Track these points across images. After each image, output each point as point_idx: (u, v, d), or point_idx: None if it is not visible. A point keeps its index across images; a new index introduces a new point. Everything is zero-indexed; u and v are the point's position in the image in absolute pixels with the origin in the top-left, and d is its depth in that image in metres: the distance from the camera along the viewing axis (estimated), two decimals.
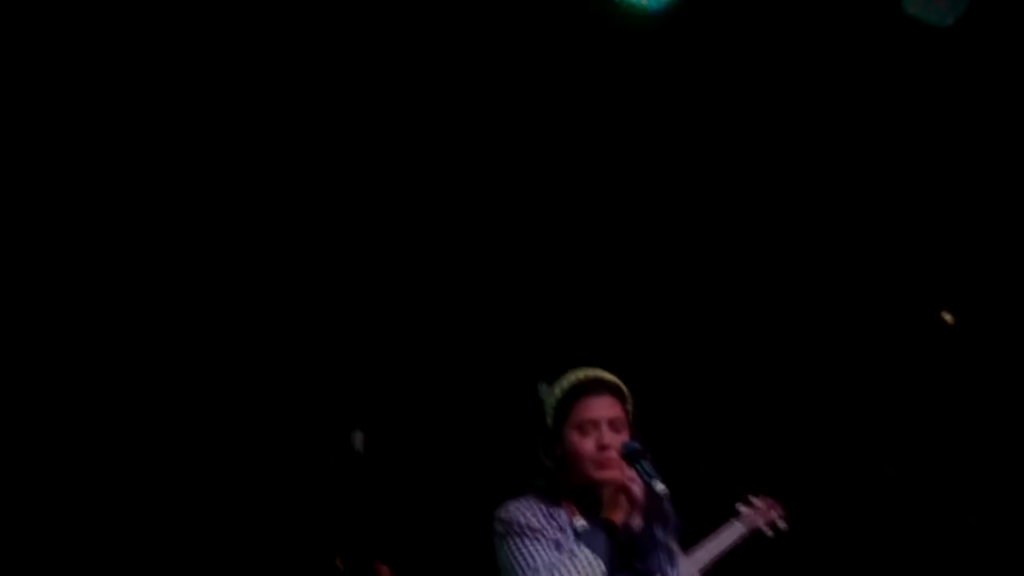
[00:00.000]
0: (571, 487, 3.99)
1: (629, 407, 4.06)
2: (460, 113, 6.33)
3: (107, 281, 6.11)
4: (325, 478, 5.97)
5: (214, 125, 5.94)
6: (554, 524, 3.91)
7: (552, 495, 3.98)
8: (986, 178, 6.98)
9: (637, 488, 3.84)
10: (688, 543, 4.16)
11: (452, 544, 6.55)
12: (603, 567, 3.77)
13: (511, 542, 3.88)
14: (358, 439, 5.61)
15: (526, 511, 3.92)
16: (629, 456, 3.84)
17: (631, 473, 3.86)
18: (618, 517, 3.86)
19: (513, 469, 4.36)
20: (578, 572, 3.75)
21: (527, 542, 3.85)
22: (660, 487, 3.67)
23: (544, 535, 3.87)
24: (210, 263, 6.36)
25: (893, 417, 8.00)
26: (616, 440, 3.91)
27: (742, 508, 4.24)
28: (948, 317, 7.95)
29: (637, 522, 3.90)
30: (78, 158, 5.85)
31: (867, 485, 7.92)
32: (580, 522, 3.94)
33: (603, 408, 3.95)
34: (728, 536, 4.14)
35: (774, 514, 4.25)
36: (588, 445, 3.93)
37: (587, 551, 3.79)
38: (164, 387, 6.37)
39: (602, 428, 3.92)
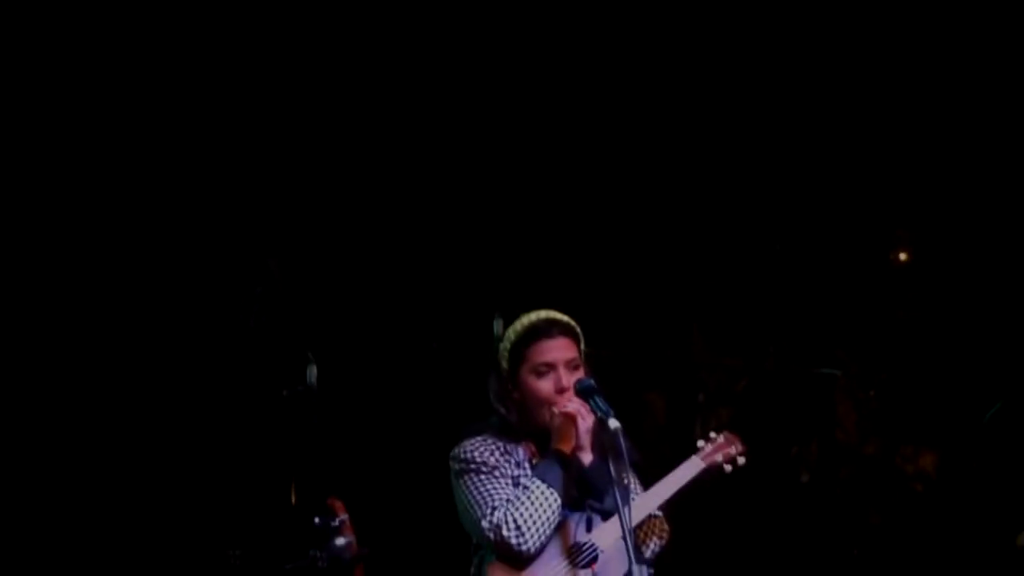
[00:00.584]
0: (530, 429, 4.06)
1: (583, 347, 4.12)
2: (430, 58, 6.49)
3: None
4: (277, 412, 5.91)
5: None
6: (511, 461, 4.03)
7: (510, 434, 4.06)
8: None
9: (587, 420, 3.93)
10: (649, 481, 4.16)
11: (407, 481, 6.61)
12: (558, 498, 3.86)
13: (467, 479, 3.99)
14: (311, 373, 5.56)
15: (483, 448, 4.03)
16: (583, 392, 3.92)
17: (564, 401, 3.96)
18: (567, 446, 3.94)
19: (471, 406, 4.40)
20: (533, 504, 3.84)
21: (483, 479, 3.96)
22: (614, 423, 3.71)
23: (500, 472, 3.98)
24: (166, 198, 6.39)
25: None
26: (571, 380, 4.00)
27: (701, 444, 4.19)
28: (903, 256, 7.99)
29: (588, 457, 3.98)
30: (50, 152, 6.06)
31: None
32: (537, 457, 4.07)
33: (559, 350, 4.03)
34: (685, 472, 4.09)
35: (733, 450, 4.19)
36: (546, 388, 4.02)
37: (541, 483, 3.87)
38: (117, 316, 6.39)
39: (559, 370, 4.01)
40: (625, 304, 7.54)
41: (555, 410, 3.97)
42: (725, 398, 8.07)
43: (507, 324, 4.33)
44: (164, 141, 6.40)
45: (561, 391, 3.98)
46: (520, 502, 3.85)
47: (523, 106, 7.04)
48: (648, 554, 4.03)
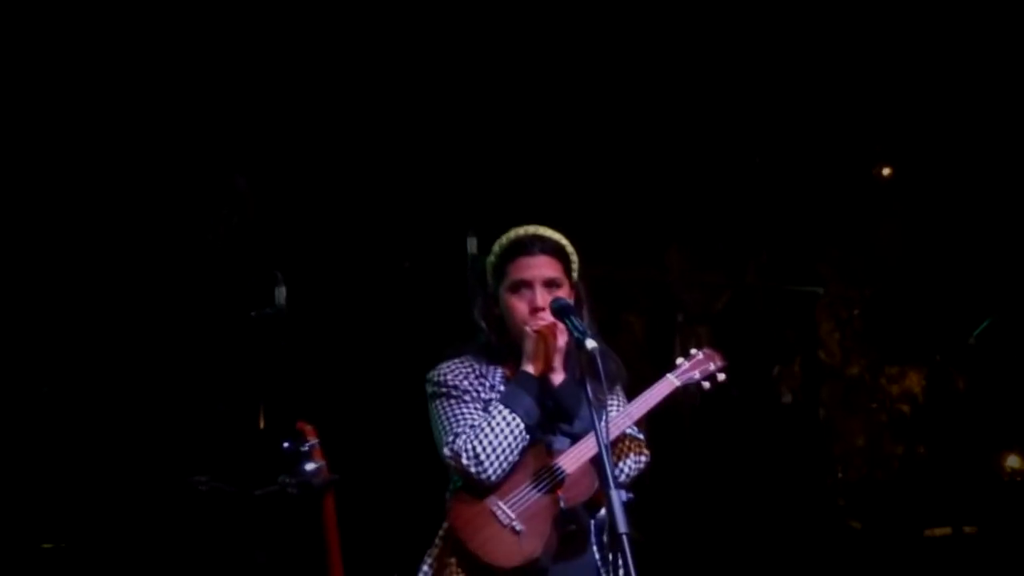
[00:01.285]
0: (512, 349, 3.97)
1: (573, 266, 3.99)
2: None
3: None
4: (245, 334, 5.90)
5: None
6: (485, 384, 3.94)
7: (491, 354, 3.99)
8: None
9: (558, 339, 3.85)
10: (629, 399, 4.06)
11: (380, 405, 6.58)
12: (520, 424, 3.80)
13: (437, 403, 3.93)
14: (280, 294, 5.48)
15: (457, 372, 3.95)
16: (557, 312, 3.81)
17: (536, 316, 3.87)
18: (536, 368, 3.87)
19: (446, 327, 4.32)
20: (494, 431, 3.79)
21: (453, 403, 3.90)
22: (590, 343, 3.58)
23: (471, 396, 3.91)
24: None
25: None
26: (548, 302, 3.87)
27: (680, 361, 4.07)
28: (886, 171, 7.93)
29: (559, 378, 3.90)
30: None
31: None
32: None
33: (538, 267, 3.93)
34: (659, 391, 3.97)
35: (712, 366, 4.06)
36: (521, 306, 3.93)
37: (504, 409, 3.82)
38: (81, 236, 6.35)
39: (536, 288, 3.91)
40: (601, 221, 7.49)
41: (527, 329, 3.89)
42: (704, 317, 8.07)
43: (481, 242, 4.25)
44: (130, 56, 6.38)
45: (535, 310, 3.89)
46: (481, 429, 3.81)
47: (497, 18, 7.01)
48: (622, 477, 3.93)
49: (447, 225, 6.56)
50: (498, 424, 3.81)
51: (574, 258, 4.03)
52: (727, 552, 7.50)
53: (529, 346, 3.88)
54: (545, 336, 3.87)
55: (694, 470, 7.68)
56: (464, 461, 3.78)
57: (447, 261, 6.42)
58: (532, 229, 4.01)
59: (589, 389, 3.62)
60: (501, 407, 3.84)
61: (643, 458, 4.00)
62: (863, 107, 7.79)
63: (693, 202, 7.96)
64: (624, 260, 7.80)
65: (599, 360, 3.57)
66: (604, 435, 3.52)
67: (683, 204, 7.95)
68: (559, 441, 3.89)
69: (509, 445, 3.80)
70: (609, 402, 3.88)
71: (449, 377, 3.95)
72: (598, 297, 4.08)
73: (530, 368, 3.88)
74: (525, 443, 3.83)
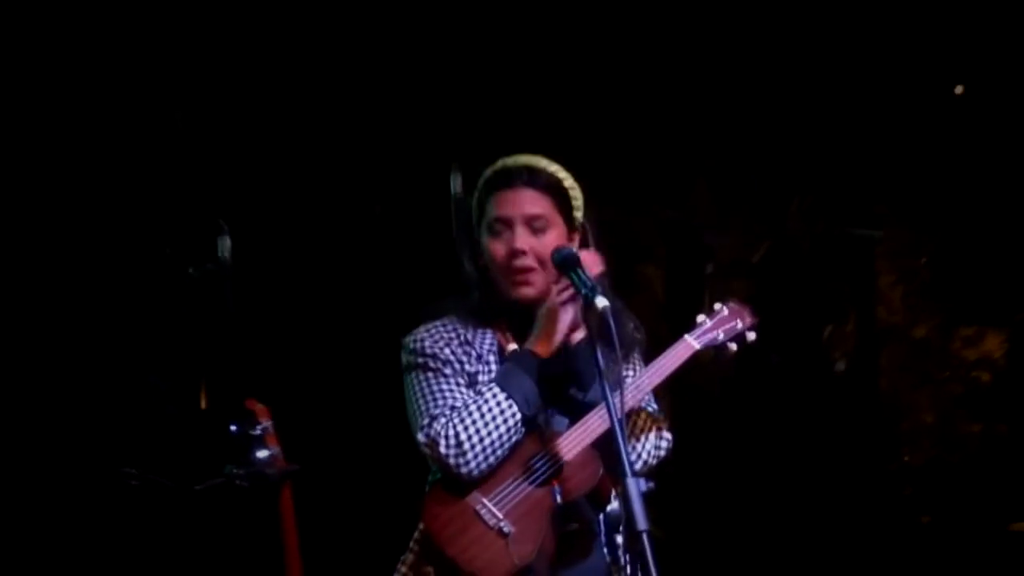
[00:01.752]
0: (502, 305, 4.01)
1: (575, 205, 4.04)
2: None
3: None
4: (182, 295, 5.94)
5: None
6: (472, 354, 3.97)
7: (481, 316, 4.02)
8: None
9: (568, 308, 3.85)
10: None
11: (346, 378, 6.65)
12: (517, 415, 3.80)
13: (415, 376, 3.94)
14: (224, 246, 5.51)
15: (438, 338, 3.98)
16: (561, 264, 3.81)
17: (562, 285, 3.84)
18: (543, 348, 3.87)
19: (425, 283, 4.32)
20: (483, 417, 3.79)
21: (430, 377, 3.92)
22: (601, 302, 3.59)
23: (454, 368, 3.93)
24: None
25: None
26: (535, 243, 3.93)
27: (700, 319, 4.09)
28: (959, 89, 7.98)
29: (576, 337, 3.91)
30: None
31: None
32: (512, 347, 3.97)
33: (519, 203, 3.96)
34: (675, 357, 4.00)
35: (740, 323, 4.10)
36: (498, 250, 3.96)
37: (498, 392, 3.82)
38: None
39: (515, 228, 3.94)
40: (612, 153, 7.50)
41: (520, 293, 3.93)
42: (739, 269, 8.09)
43: (468, 180, 4.27)
44: None
45: (513, 255, 3.92)
46: (467, 412, 3.82)
47: None
48: (639, 464, 3.98)
49: (426, 159, 6.60)
50: (489, 410, 3.82)
51: (576, 195, 4.04)
52: (766, 552, 7.59)
53: (545, 322, 3.89)
54: (554, 311, 3.88)
55: (726, 454, 7.73)
56: (442, 450, 3.78)
57: (427, 203, 6.47)
58: (523, 159, 4.02)
59: (599, 356, 3.60)
60: (496, 389, 3.84)
61: (664, 442, 4.03)
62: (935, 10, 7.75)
63: (723, 129, 7.92)
64: (640, 200, 7.84)
65: (612, 321, 3.55)
66: (618, 411, 3.49)
67: (711, 131, 7.91)
68: (556, 421, 3.91)
69: (500, 437, 3.80)
70: (625, 372, 3.89)
71: (428, 344, 3.96)
72: (609, 246, 4.09)
73: (539, 348, 3.88)
74: (519, 436, 3.83)
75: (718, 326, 4.06)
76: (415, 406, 3.91)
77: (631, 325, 4.01)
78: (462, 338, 3.98)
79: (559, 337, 3.88)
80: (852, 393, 8.05)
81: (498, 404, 3.81)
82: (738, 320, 4.09)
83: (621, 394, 3.52)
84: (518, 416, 3.81)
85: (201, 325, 5.96)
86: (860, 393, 8.05)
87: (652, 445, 4.01)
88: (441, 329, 4.00)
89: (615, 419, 3.48)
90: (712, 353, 4.08)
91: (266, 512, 4.14)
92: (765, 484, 7.71)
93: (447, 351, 3.95)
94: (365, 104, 6.94)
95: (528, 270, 3.92)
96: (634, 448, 3.97)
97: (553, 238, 3.93)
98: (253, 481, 4.11)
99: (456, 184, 5.86)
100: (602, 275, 3.90)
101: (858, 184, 8.15)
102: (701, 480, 7.39)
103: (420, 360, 3.94)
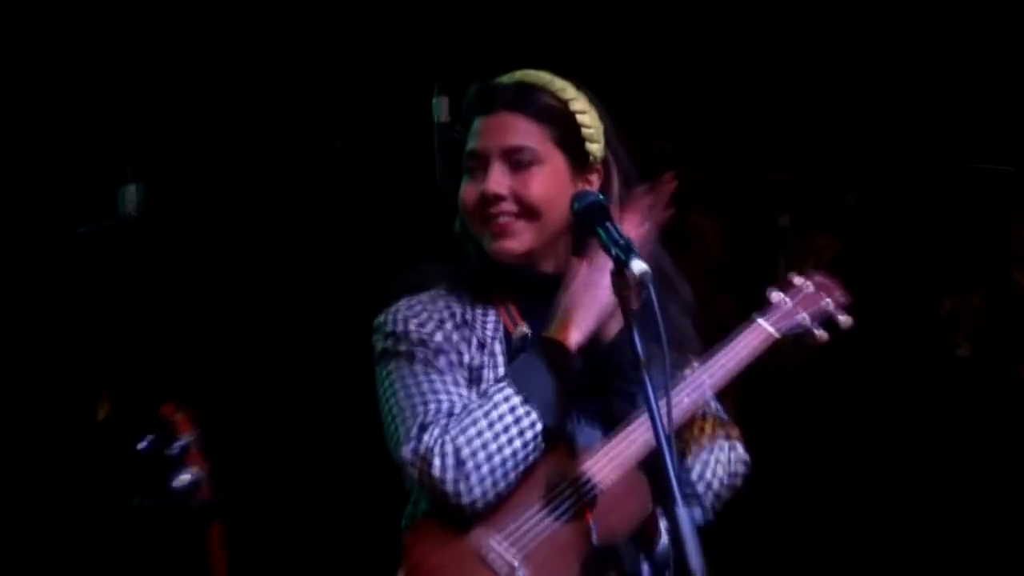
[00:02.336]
0: (504, 271, 4.04)
1: (585, 134, 4.05)
2: None
3: None
4: (72, 261, 6.00)
5: None
6: (472, 340, 3.99)
7: (480, 286, 4.06)
8: None
9: (600, 287, 3.84)
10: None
11: (295, 372, 6.65)
12: (537, 425, 3.80)
13: (395, 369, 3.95)
14: (129, 196, 5.42)
15: (425, 317, 3.98)
16: (584, 215, 3.81)
17: (601, 263, 3.82)
18: (574, 335, 3.87)
19: (410, 242, 4.24)
20: (491, 429, 3.79)
21: (419, 370, 3.92)
22: (638, 266, 3.53)
23: (450, 359, 3.94)
24: None
25: None
26: (516, 185, 3.96)
27: (774, 297, 4.15)
28: None
29: (614, 326, 3.91)
30: None
31: None
32: (521, 330, 4.00)
33: (496, 132, 4.01)
34: (744, 347, 4.02)
35: (829, 303, 4.15)
36: (467, 195, 4.03)
37: (513, 395, 3.82)
38: None
39: (491, 165, 3.97)
40: (651, 78, 7.57)
41: (584, 274, 3.91)
42: (825, 220, 8.05)
43: (456, 104, 4.51)
44: None
45: (484, 200, 3.95)
46: (470, 419, 3.82)
47: None
48: (709, 495, 4.03)
49: (403, 77, 6.59)
50: (500, 417, 3.81)
51: (589, 122, 4.05)
52: None
53: (578, 301, 3.89)
54: (593, 293, 3.87)
55: (811, 469, 7.65)
56: (436, 471, 3.74)
57: (403, 136, 6.42)
58: (519, 75, 4.07)
59: (638, 344, 3.55)
60: (508, 390, 3.82)
61: (741, 464, 4.09)
62: None
63: (800, 44, 7.92)
64: (689, 129, 7.80)
65: (654, 295, 3.50)
66: (664, 419, 3.47)
67: (784, 49, 7.91)
68: (587, 434, 3.90)
69: (513, 454, 3.79)
70: (677, 366, 3.90)
71: (413, 325, 3.95)
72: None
73: (568, 335, 3.88)
74: (538, 455, 3.82)
75: (801, 306, 4.12)
76: (395, 411, 3.90)
77: (680, 300, 4.05)
78: (458, 317, 4.00)
79: (594, 322, 3.88)
80: (980, 384, 8.00)
81: (512, 410, 3.80)
82: (826, 297, 4.16)
83: (667, 397, 3.51)
84: (538, 427, 3.81)
85: (96, 304, 6.04)
86: (990, 384, 8.00)
87: (725, 467, 4.05)
88: (428, 305, 4.01)
89: (661, 430, 3.45)
90: (790, 340, 4.10)
91: (188, 557, 4.08)
92: (866, 506, 7.73)
93: (439, 335, 3.95)
94: (327, 10, 7.06)
95: (503, 216, 3.95)
96: (700, 474, 4.02)
97: (545, 177, 3.96)
98: (170, 515, 4.04)
99: (441, 110, 5.80)
100: (646, 235, 3.92)
101: (977, 110, 8.09)
102: (776, 509, 7.37)
103: (402, 348, 3.94)
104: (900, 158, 8.04)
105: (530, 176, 3.93)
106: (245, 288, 6.83)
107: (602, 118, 4.07)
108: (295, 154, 6.91)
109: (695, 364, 3.98)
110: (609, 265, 3.69)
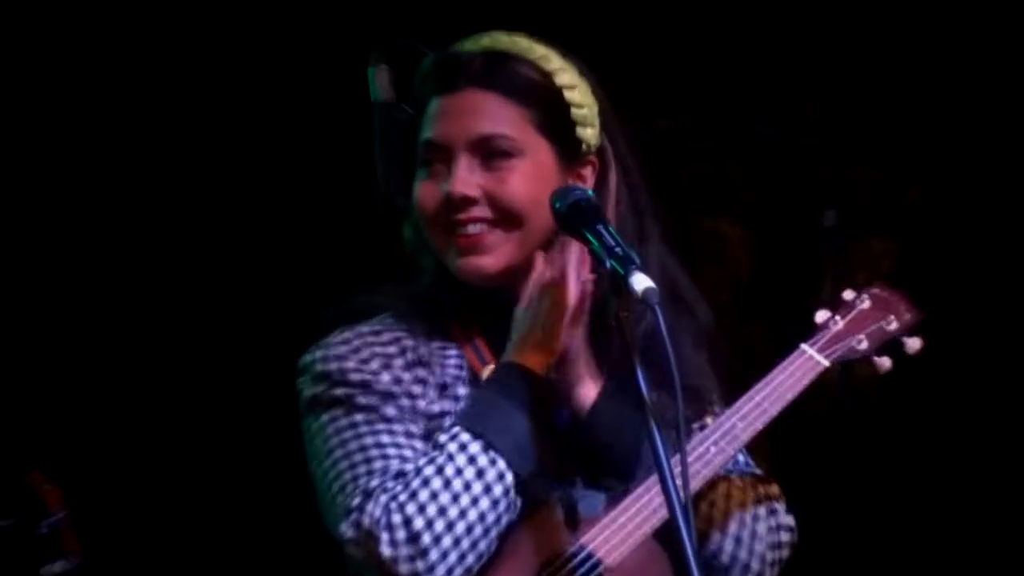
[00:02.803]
0: (470, 295, 3.98)
1: (575, 116, 3.98)
2: None
3: None
4: None
5: None
6: (429, 381, 3.92)
7: (438, 315, 4.00)
8: None
9: (572, 284, 3.82)
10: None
11: (197, 431, 6.72)
12: (506, 476, 3.74)
13: (329, 422, 3.86)
14: None
15: (367, 354, 3.89)
16: (569, 217, 3.72)
17: (567, 257, 3.83)
18: (536, 358, 3.83)
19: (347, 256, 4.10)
20: (448, 489, 3.72)
21: (360, 421, 3.85)
22: (640, 283, 3.43)
23: (399, 406, 3.86)
24: None
25: None
26: (491, 184, 3.89)
27: (822, 317, 4.02)
28: None
29: (589, 388, 3.91)
30: None
31: None
32: (489, 368, 3.94)
33: (461, 118, 3.95)
34: (793, 375, 3.92)
35: (894, 325, 4.01)
36: (425, 196, 3.93)
37: (470, 442, 3.76)
38: None
39: (456, 159, 3.91)
40: (660, 42, 7.67)
41: (537, 274, 3.85)
42: (881, 221, 8.02)
43: (403, 77, 4.25)
44: None
45: (449, 205, 3.84)
46: (420, 478, 3.72)
47: None
48: (737, 571, 3.93)
49: (333, 41, 6.76)
50: (458, 472, 3.73)
51: (579, 99, 3.97)
52: None
53: (524, 314, 3.85)
54: (557, 298, 3.82)
55: (867, 532, 7.67)
56: (385, 551, 3.63)
57: (333, 117, 6.55)
58: (486, 39, 3.98)
59: (642, 382, 3.43)
60: (463, 437, 3.74)
61: (784, 532, 4.00)
62: None
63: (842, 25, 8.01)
64: (711, 109, 7.87)
65: (662, 321, 3.37)
66: (675, 479, 3.37)
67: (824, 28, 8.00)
68: (587, 499, 3.83)
69: (481, 519, 3.70)
70: (693, 411, 3.88)
71: (352, 365, 3.86)
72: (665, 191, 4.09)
73: (529, 358, 3.82)
74: (512, 516, 3.72)
75: (855, 327, 4.03)
76: (331, 476, 3.81)
77: (696, 327, 3.98)
78: (409, 355, 3.90)
79: (562, 339, 3.80)
80: None
81: (471, 461, 3.72)
82: (889, 316, 4.06)
83: (682, 449, 3.46)
84: (508, 479, 3.70)
85: None
86: None
87: (764, 541, 3.95)
88: (371, 340, 3.90)
89: (672, 493, 3.34)
90: (839, 370, 4.06)
91: None
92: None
93: (385, 376, 3.85)
94: None
95: (473, 225, 3.86)
96: (733, 554, 3.92)
97: (526, 173, 3.88)
98: None
99: (381, 85, 5.59)
100: (648, 239, 3.94)
101: None
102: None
103: (339, 392, 3.84)
104: (974, 145, 8.03)
105: (507, 172, 3.84)
106: (128, 323, 6.98)
107: (596, 94, 3.97)
108: (198, 142, 7.16)
109: (716, 411, 3.93)
110: (574, 260, 3.74)
